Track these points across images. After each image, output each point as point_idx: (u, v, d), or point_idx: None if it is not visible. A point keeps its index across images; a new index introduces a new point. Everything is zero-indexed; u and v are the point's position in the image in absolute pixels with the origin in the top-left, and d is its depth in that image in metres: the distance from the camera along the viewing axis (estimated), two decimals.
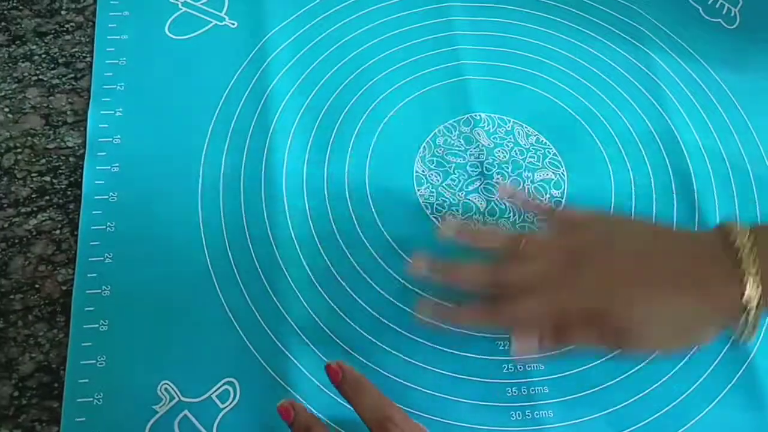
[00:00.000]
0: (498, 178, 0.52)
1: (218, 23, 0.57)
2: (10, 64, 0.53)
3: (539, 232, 0.49)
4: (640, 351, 0.45)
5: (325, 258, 0.48)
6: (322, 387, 0.44)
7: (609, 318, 0.39)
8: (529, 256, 0.42)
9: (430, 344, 0.46)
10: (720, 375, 0.47)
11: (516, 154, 0.53)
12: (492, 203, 0.51)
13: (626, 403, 0.45)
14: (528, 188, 0.52)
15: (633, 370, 0.46)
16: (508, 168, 0.53)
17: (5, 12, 0.56)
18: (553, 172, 0.53)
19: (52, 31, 0.55)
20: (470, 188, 0.52)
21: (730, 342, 0.45)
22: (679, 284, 0.39)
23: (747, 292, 0.37)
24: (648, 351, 0.45)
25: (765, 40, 0.60)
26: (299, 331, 0.46)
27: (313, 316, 0.46)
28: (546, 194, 0.52)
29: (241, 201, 0.50)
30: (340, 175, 0.51)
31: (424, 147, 0.53)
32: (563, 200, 0.52)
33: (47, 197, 0.49)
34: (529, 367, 0.46)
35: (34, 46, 0.54)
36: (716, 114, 0.56)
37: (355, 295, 0.47)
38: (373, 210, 0.50)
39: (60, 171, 0.50)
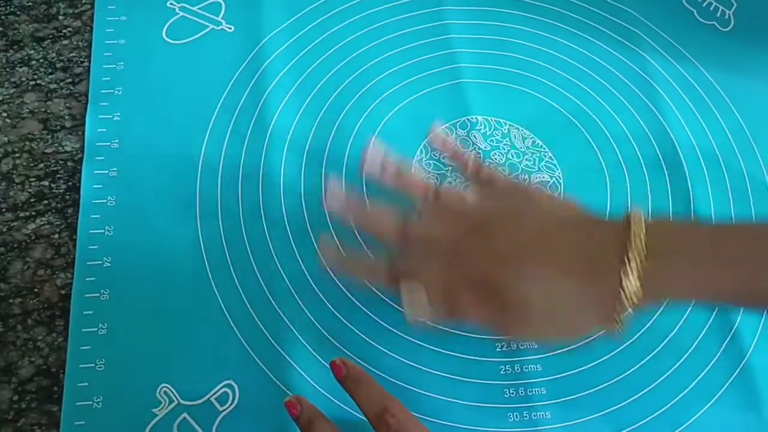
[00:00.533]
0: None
1: (215, 27, 0.57)
2: (7, 69, 0.54)
3: (454, 189, 0.50)
4: (522, 333, 0.42)
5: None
6: (320, 389, 0.44)
7: (497, 291, 0.39)
8: (440, 215, 0.43)
9: (427, 346, 0.46)
10: (716, 375, 0.47)
11: (512, 157, 0.54)
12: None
13: (623, 403, 0.46)
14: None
15: (630, 371, 0.47)
16: (504, 171, 0.53)
17: (2, 17, 0.56)
18: (550, 175, 0.53)
19: (50, 36, 0.55)
20: (467, 191, 0.52)
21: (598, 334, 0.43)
22: (572, 268, 0.38)
23: (626, 285, 0.36)
24: (529, 334, 0.43)
25: (759, 43, 0.60)
26: (297, 334, 0.46)
27: (311, 318, 0.46)
28: None
29: (239, 204, 0.50)
30: (337, 178, 0.51)
31: (421, 150, 0.53)
32: None
33: (45, 201, 0.49)
34: (526, 368, 0.46)
35: (32, 51, 0.55)
36: (711, 116, 0.56)
37: (352, 297, 0.47)
38: None
39: (58, 175, 0.50)
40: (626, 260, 0.36)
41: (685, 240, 0.37)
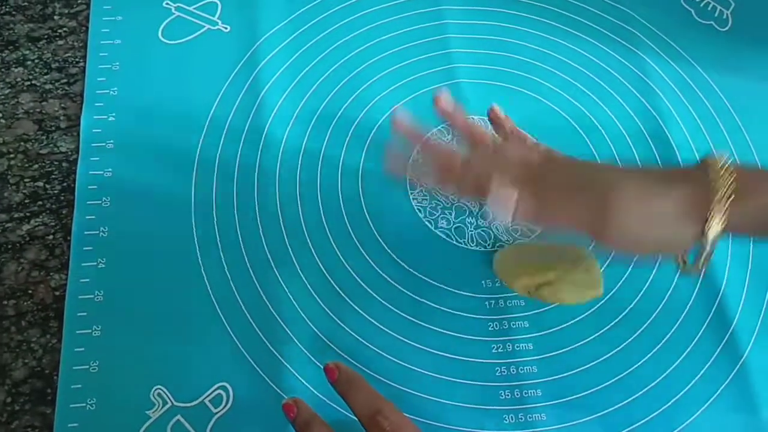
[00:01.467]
0: None
1: (211, 27, 0.57)
2: (3, 69, 0.54)
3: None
4: (609, 238, 0.40)
5: (319, 263, 0.48)
6: (314, 391, 0.44)
7: (590, 196, 0.39)
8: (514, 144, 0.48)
9: (423, 347, 0.46)
10: (712, 376, 0.47)
11: None
12: (484, 206, 0.51)
13: (619, 405, 0.46)
14: None
15: (626, 372, 0.46)
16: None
17: None
18: None
19: (45, 36, 0.55)
20: None
21: (679, 270, 0.42)
22: (653, 188, 0.38)
23: (710, 221, 0.36)
24: (616, 240, 0.41)
25: (757, 42, 0.60)
26: (292, 336, 0.46)
27: (306, 320, 0.46)
28: None
29: (234, 205, 0.50)
30: (333, 180, 0.51)
31: (417, 150, 0.53)
32: None
33: (40, 202, 0.49)
34: (522, 370, 0.46)
35: (27, 51, 0.54)
36: (708, 116, 0.56)
37: (348, 299, 0.47)
38: (367, 214, 0.50)
39: (53, 176, 0.50)
40: (714, 190, 0.36)
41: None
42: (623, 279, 0.49)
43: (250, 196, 0.50)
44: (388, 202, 0.51)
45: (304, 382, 0.44)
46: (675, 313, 0.49)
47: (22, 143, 0.51)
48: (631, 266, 0.49)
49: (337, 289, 0.48)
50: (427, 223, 0.50)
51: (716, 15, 0.62)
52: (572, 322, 0.48)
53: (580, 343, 0.47)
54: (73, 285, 0.46)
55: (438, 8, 0.60)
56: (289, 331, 0.46)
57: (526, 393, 0.45)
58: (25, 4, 0.57)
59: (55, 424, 0.42)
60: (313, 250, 0.49)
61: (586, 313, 0.48)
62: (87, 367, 0.44)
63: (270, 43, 0.56)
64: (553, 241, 0.49)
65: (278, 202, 0.50)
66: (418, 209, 0.51)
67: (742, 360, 0.47)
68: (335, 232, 0.49)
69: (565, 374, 0.46)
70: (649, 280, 0.49)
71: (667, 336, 0.48)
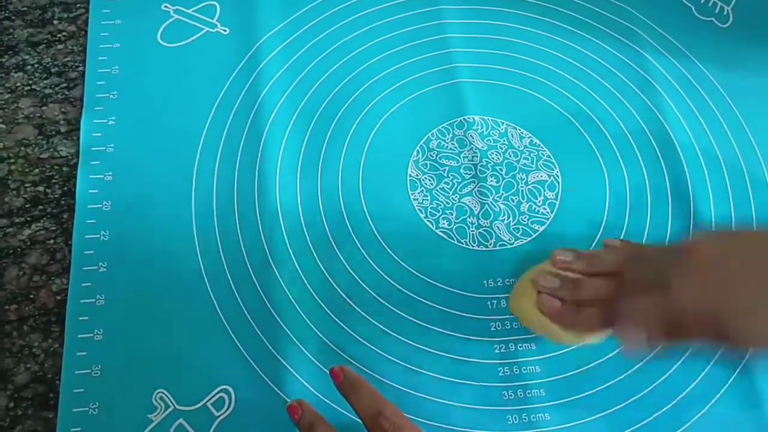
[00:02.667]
0: (492, 181, 0.52)
1: (210, 30, 0.57)
2: (2, 74, 0.54)
3: None
4: (750, 344, 0.41)
5: (320, 264, 0.48)
6: (317, 393, 0.44)
7: (725, 318, 0.38)
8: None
9: (425, 348, 0.46)
10: (716, 375, 0.47)
11: (510, 156, 0.53)
12: (486, 206, 0.51)
13: (623, 404, 0.45)
14: (523, 190, 0.52)
15: (630, 371, 0.46)
16: (502, 170, 0.53)
17: None
18: (548, 174, 0.53)
19: (45, 41, 0.55)
20: (464, 191, 0.52)
21: None
22: None
23: None
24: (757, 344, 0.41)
25: (758, 39, 0.60)
26: (294, 339, 0.46)
27: (308, 322, 0.46)
28: (540, 196, 0.52)
29: (235, 208, 0.50)
30: (333, 181, 0.51)
31: (418, 151, 0.53)
32: (557, 201, 0.52)
33: (41, 207, 0.49)
34: (525, 370, 0.46)
35: (27, 56, 0.54)
36: (710, 113, 0.56)
37: (350, 301, 0.47)
38: (368, 215, 0.50)
39: (53, 180, 0.50)
40: None
41: None
42: None
43: (250, 199, 0.50)
44: (389, 203, 0.51)
45: (306, 384, 0.44)
46: None
47: (22, 148, 0.51)
48: None
49: (338, 290, 0.48)
50: (428, 223, 0.50)
51: (717, 11, 0.61)
52: None
53: (582, 344, 0.47)
54: (75, 289, 0.46)
55: (437, 8, 0.59)
56: (290, 333, 0.46)
57: (529, 393, 0.45)
58: (25, 9, 0.57)
59: (57, 429, 0.42)
60: (314, 252, 0.49)
61: None
62: (89, 371, 0.44)
63: (269, 45, 0.56)
64: None
65: (279, 204, 0.50)
66: (419, 210, 0.51)
67: (745, 358, 0.47)
68: (336, 233, 0.49)
69: (568, 374, 0.46)
70: None
71: None
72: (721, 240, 0.42)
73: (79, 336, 0.45)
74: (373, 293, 0.48)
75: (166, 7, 0.58)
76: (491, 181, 0.52)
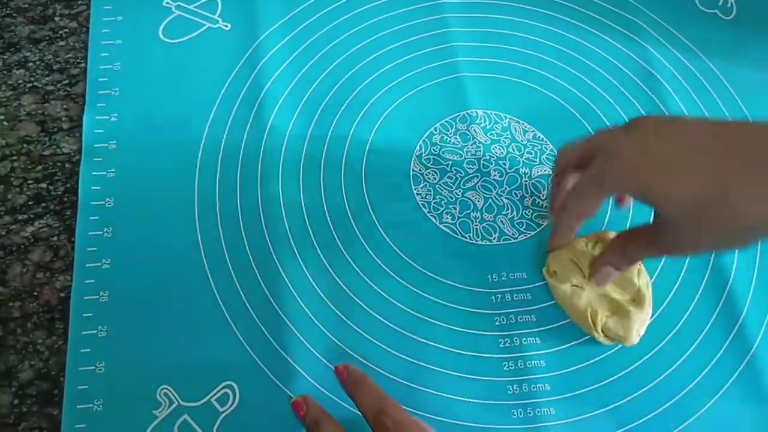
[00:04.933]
0: (495, 175, 0.52)
1: (212, 26, 0.57)
2: (4, 72, 0.53)
3: None
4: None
5: (323, 259, 0.48)
6: (321, 389, 0.44)
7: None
8: None
9: (430, 343, 0.46)
10: (722, 369, 0.46)
11: (513, 150, 0.53)
12: (489, 200, 0.51)
13: (628, 399, 0.45)
14: (526, 184, 0.52)
15: (634, 366, 0.46)
16: (505, 164, 0.52)
17: None
18: (551, 168, 0.53)
19: (46, 38, 0.55)
20: (468, 185, 0.52)
21: None
22: None
23: None
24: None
25: (762, 31, 0.60)
26: (298, 334, 0.45)
27: (311, 317, 0.46)
28: (544, 190, 0.52)
29: (238, 204, 0.49)
30: (336, 176, 0.51)
31: (421, 145, 0.53)
32: None
33: (44, 204, 0.49)
34: (530, 364, 0.46)
35: (28, 53, 0.54)
36: (714, 106, 0.56)
37: (352, 295, 0.47)
38: (371, 210, 0.50)
39: (56, 177, 0.50)
40: None
41: None
42: None
43: (253, 195, 0.50)
44: (392, 198, 0.51)
45: (310, 380, 0.44)
46: (683, 306, 0.48)
47: (24, 145, 0.51)
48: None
49: (341, 285, 0.47)
50: (431, 218, 0.50)
51: (721, 3, 0.61)
52: None
53: (587, 337, 0.47)
54: (78, 286, 0.46)
55: (439, 2, 0.59)
56: (294, 329, 0.46)
57: (534, 387, 0.45)
58: (26, 6, 0.56)
59: (62, 426, 0.42)
60: (317, 247, 0.48)
61: None
62: (93, 367, 0.44)
63: (271, 40, 0.56)
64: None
65: (282, 200, 0.50)
66: (422, 205, 0.51)
67: (751, 352, 0.47)
68: (339, 228, 0.49)
69: (573, 368, 0.46)
70: (657, 272, 0.49)
71: (676, 328, 0.47)
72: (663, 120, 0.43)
73: (83, 333, 0.44)
74: (375, 287, 0.47)
75: (167, 3, 0.57)
76: (495, 175, 0.52)
